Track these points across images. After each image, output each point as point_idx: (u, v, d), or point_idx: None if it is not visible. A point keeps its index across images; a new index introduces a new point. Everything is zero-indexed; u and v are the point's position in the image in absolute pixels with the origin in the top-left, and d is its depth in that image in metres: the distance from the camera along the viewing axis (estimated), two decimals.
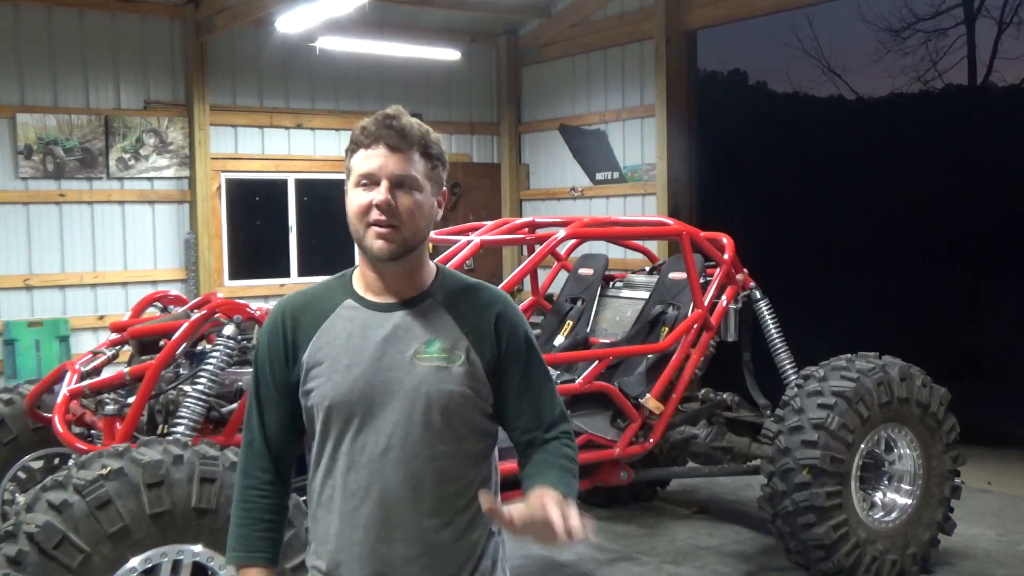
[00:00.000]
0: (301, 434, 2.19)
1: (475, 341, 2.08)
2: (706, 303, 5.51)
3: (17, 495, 4.81)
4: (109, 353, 4.90)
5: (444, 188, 2.16)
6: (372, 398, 2.05)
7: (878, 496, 5.46)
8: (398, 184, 2.03)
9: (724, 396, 6.05)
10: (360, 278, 2.14)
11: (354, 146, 2.08)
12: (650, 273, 6.36)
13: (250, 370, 4.46)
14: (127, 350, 4.90)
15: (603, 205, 10.48)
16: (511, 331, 2.11)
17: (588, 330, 6.08)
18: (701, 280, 5.63)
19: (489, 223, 5.69)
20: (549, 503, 1.87)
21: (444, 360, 2.05)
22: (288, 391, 2.14)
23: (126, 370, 4.35)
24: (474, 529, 2.11)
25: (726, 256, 5.72)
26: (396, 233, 2.03)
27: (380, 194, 2.02)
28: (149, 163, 9.44)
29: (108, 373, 4.59)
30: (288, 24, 8.84)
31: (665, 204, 9.56)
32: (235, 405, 4.32)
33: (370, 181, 2.04)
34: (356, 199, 2.05)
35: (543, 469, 2.07)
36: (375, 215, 2.02)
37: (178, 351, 4.34)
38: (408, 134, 2.05)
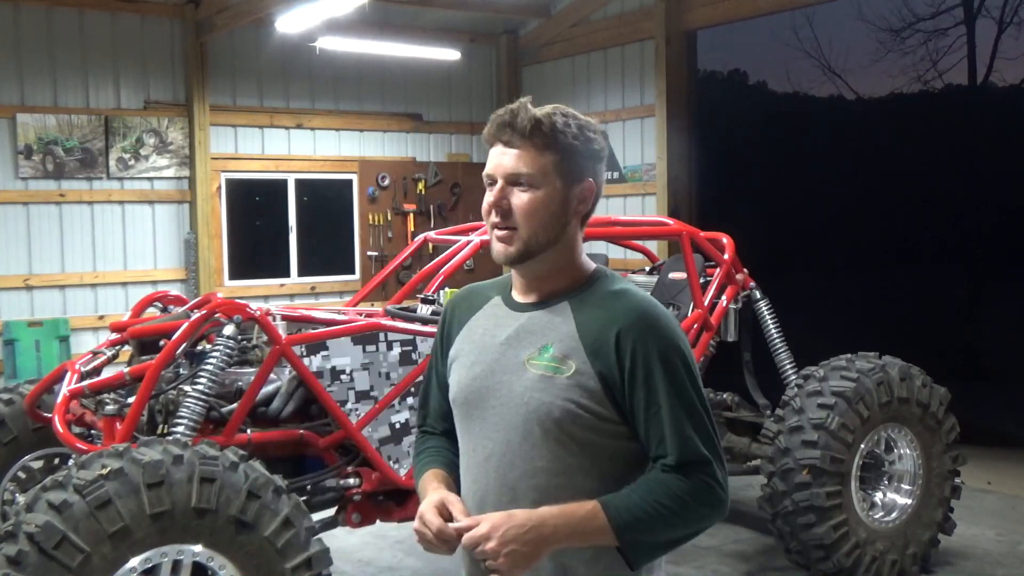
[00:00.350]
0: None
1: (592, 353, 1.90)
2: (706, 303, 5.51)
3: (17, 495, 4.81)
4: (109, 353, 4.89)
5: (588, 179, 1.98)
6: (486, 399, 2.00)
7: (878, 496, 5.45)
8: (512, 183, 1.94)
9: (724, 396, 6.04)
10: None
11: (486, 145, 2.02)
12: (650, 273, 6.36)
13: (251, 370, 4.51)
14: (127, 350, 4.90)
15: (603, 205, 10.45)
16: (636, 349, 1.88)
17: None
18: (701, 280, 5.63)
19: None
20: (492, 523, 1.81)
21: (553, 369, 1.92)
22: (445, 379, 2.14)
23: (126, 370, 4.34)
24: (590, 565, 1.92)
25: (726, 256, 5.72)
26: (514, 235, 1.95)
27: (492, 195, 1.96)
28: (149, 163, 9.44)
29: (108, 373, 4.59)
30: (288, 24, 8.84)
31: (665, 204, 9.56)
32: (235, 405, 4.32)
33: (491, 181, 1.98)
34: (484, 200, 2.00)
35: (622, 493, 1.88)
36: (493, 218, 1.97)
37: (178, 351, 4.34)
38: (518, 127, 1.92)
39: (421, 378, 3.69)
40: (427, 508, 1.90)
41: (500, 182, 1.95)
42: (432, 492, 1.98)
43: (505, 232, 1.96)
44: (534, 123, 1.92)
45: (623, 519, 1.85)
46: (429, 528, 1.88)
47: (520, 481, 1.94)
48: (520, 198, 1.94)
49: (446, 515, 1.88)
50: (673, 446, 1.89)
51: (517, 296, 2.07)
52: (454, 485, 2.06)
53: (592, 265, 2.05)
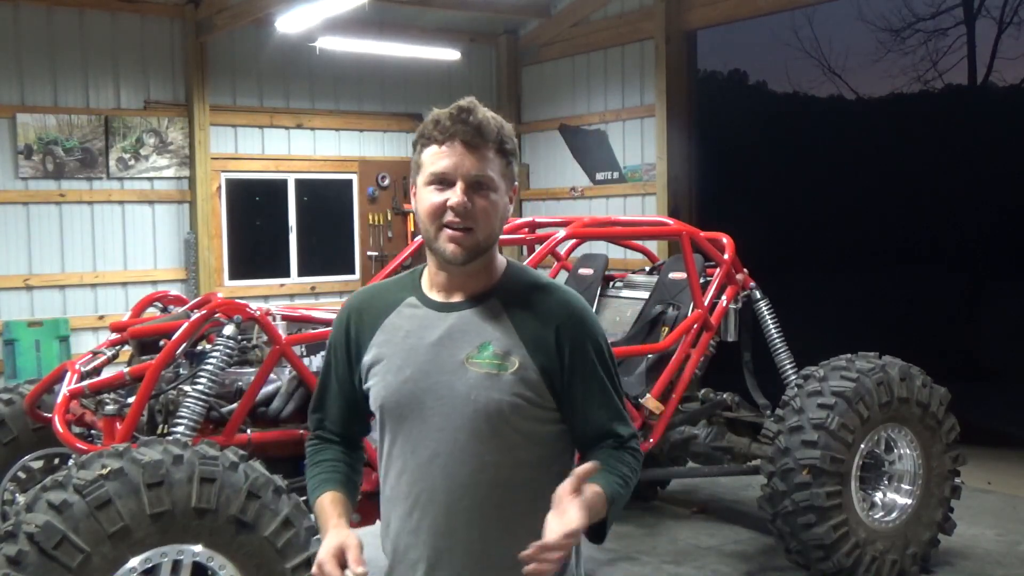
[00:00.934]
0: (364, 419, 2.18)
1: (532, 348, 1.97)
2: (706, 303, 5.51)
3: (17, 495, 4.81)
4: (109, 353, 4.89)
5: (516, 183, 2.07)
6: (422, 401, 1.99)
7: (878, 496, 5.46)
8: (474, 185, 1.94)
9: (724, 396, 6.04)
10: (427, 275, 2.08)
11: (425, 140, 1.98)
12: (650, 273, 6.36)
13: (250, 370, 4.51)
14: (127, 350, 4.90)
15: (603, 205, 10.47)
16: (574, 343, 1.99)
17: None
18: (701, 280, 5.63)
19: None
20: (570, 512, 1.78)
21: (495, 367, 1.96)
22: (351, 386, 2.12)
23: (126, 370, 4.34)
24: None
25: (726, 256, 5.72)
26: (470, 236, 1.95)
27: (456, 196, 1.93)
28: (149, 163, 9.44)
29: (108, 373, 4.59)
30: (288, 24, 8.84)
31: (665, 204, 9.56)
32: (235, 405, 4.32)
33: (444, 181, 1.94)
34: (428, 198, 1.96)
35: (603, 471, 1.96)
36: (449, 217, 1.94)
37: (178, 351, 4.34)
38: (485, 130, 1.94)
39: None
40: (326, 558, 1.89)
41: (461, 183, 1.93)
42: (331, 531, 1.97)
43: (461, 233, 1.94)
44: (499, 128, 1.97)
45: (613, 496, 1.95)
46: None
47: (470, 478, 1.97)
48: (482, 201, 1.95)
49: (342, 561, 1.88)
50: (618, 424, 2.06)
51: (436, 296, 2.05)
52: (351, 506, 2.09)
53: (503, 259, 2.09)
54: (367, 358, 2.07)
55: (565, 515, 1.78)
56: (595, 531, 1.97)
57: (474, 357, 1.97)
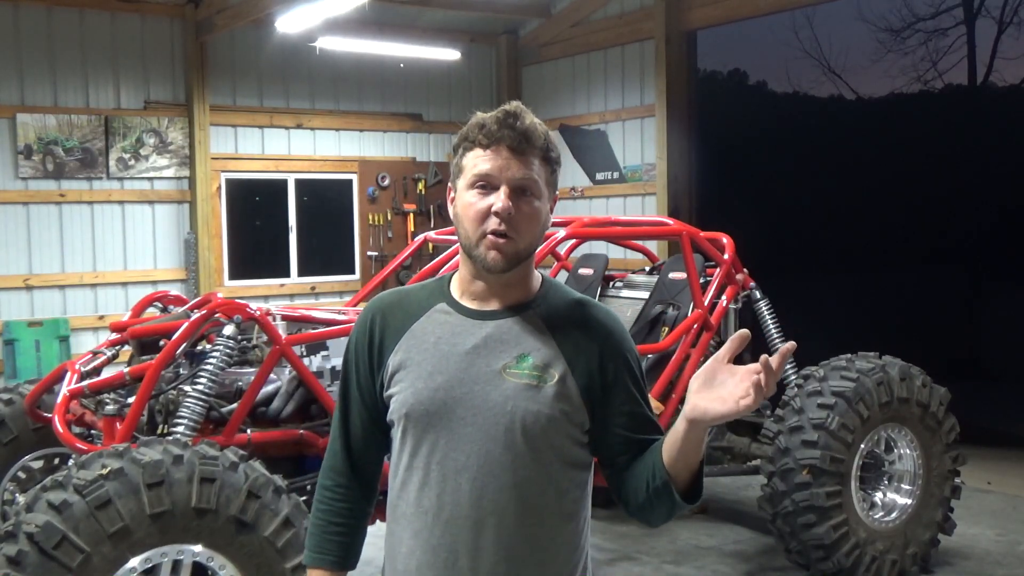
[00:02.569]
0: (387, 437, 2.05)
1: (573, 364, 1.92)
2: (706, 303, 5.51)
3: (17, 495, 4.81)
4: (109, 353, 4.90)
5: (557, 192, 2.01)
6: (453, 410, 1.90)
7: (878, 496, 5.46)
8: (519, 190, 1.89)
9: None
10: (458, 282, 2.00)
11: (468, 144, 1.92)
12: (650, 273, 6.36)
13: (250, 370, 4.51)
14: (127, 350, 4.91)
15: (603, 205, 10.47)
16: (617, 363, 1.96)
17: None
18: (701, 280, 5.64)
19: None
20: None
21: (535, 378, 1.90)
22: (373, 393, 2.02)
23: (126, 370, 4.35)
24: (560, 568, 1.96)
25: (726, 256, 5.72)
26: (511, 244, 1.89)
27: (500, 201, 1.87)
28: (149, 163, 9.44)
29: (108, 373, 4.59)
30: (288, 24, 8.84)
31: (665, 204, 9.57)
32: (235, 405, 4.32)
33: (488, 184, 1.89)
34: (471, 201, 1.90)
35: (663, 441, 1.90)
36: (492, 223, 1.87)
37: (178, 351, 4.34)
38: (531, 137, 1.89)
39: None
40: None
41: (506, 188, 1.88)
42: None
43: (503, 240, 1.88)
44: (544, 135, 1.93)
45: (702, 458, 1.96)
46: None
47: (501, 493, 1.89)
48: (526, 207, 1.90)
49: None
50: (659, 433, 2.01)
51: (471, 303, 1.98)
52: None
53: (538, 272, 2.05)
54: (392, 361, 1.98)
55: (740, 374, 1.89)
56: (690, 491, 1.90)
57: (512, 368, 1.90)
